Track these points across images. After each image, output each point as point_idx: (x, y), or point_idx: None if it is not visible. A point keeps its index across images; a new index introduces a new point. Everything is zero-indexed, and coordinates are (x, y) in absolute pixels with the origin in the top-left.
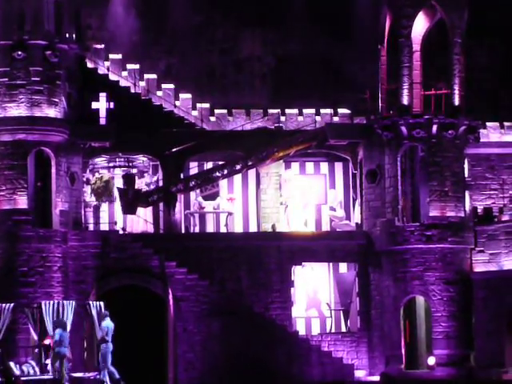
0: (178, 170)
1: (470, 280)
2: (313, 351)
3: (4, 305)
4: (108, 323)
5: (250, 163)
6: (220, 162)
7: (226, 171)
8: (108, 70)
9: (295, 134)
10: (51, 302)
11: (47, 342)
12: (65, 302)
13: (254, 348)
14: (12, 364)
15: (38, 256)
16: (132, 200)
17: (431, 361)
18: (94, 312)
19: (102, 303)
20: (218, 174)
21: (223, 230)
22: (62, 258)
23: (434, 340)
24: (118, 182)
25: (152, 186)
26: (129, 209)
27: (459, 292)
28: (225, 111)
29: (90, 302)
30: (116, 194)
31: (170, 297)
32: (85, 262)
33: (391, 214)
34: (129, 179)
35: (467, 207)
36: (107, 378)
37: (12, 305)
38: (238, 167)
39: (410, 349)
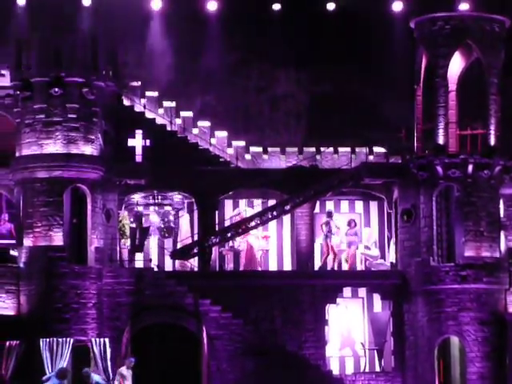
0: (213, 207)
1: (505, 320)
2: None
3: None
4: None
5: (286, 208)
6: (254, 200)
7: (263, 218)
8: (144, 107)
9: (330, 173)
10: (47, 340)
11: None
12: (60, 339)
13: None
14: None
15: (72, 292)
16: (139, 239)
17: None
18: (96, 350)
19: (106, 340)
20: (254, 222)
21: (258, 268)
22: (97, 295)
23: (469, 381)
24: (153, 219)
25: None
26: (136, 248)
27: (494, 332)
28: (260, 149)
29: (92, 340)
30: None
31: (204, 335)
32: (119, 298)
33: (426, 254)
34: (136, 217)
35: (502, 247)
36: None
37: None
38: (275, 214)
39: None
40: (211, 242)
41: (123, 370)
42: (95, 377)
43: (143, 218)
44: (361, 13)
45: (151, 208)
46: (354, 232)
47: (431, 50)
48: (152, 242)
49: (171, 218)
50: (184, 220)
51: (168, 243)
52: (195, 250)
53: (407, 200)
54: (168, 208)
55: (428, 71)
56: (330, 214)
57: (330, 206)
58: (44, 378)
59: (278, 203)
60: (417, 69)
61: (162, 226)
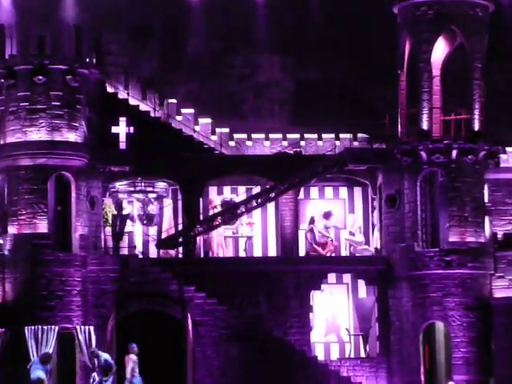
0: (197, 194)
1: (490, 306)
2: (332, 376)
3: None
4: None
5: (271, 196)
6: (239, 187)
7: (248, 206)
8: (128, 94)
9: (315, 159)
10: (32, 328)
11: None
12: (45, 327)
13: (273, 373)
14: None
15: (57, 280)
16: (119, 226)
17: None
18: (81, 337)
19: (91, 328)
20: (240, 210)
21: (242, 254)
22: (82, 282)
23: (454, 366)
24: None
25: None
26: (116, 236)
27: (479, 318)
28: (244, 136)
29: (77, 327)
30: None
31: (189, 321)
32: (104, 286)
33: (410, 240)
34: (117, 205)
35: (487, 233)
36: None
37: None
38: (260, 201)
39: (429, 374)
40: (196, 232)
41: (133, 357)
42: (104, 355)
43: (123, 206)
44: None
45: (135, 195)
46: (327, 225)
47: (415, 36)
48: (136, 229)
49: (152, 206)
50: (167, 207)
51: (153, 230)
52: (180, 240)
53: (391, 185)
54: (151, 195)
55: (411, 56)
56: (312, 220)
57: (314, 192)
58: (29, 365)
59: (262, 191)
60: (400, 54)
61: (142, 213)
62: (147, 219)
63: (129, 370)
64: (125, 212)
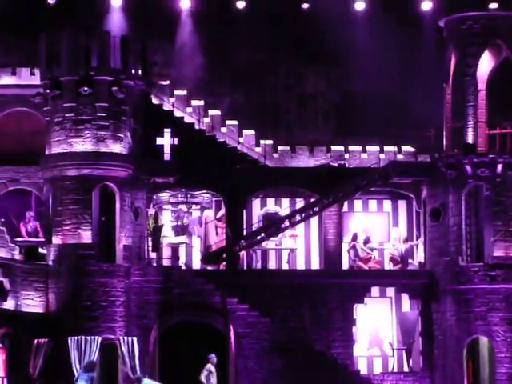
0: (241, 205)
1: None
2: None
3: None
4: None
5: (315, 210)
6: (282, 199)
7: (292, 220)
8: (173, 106)
9: (359, 172)
10: (75, 338)
11: None
12: (88, 338)
13: None
14: None
15: (101, 290)
16: (153, 237)
17: None
18: (124, 348)
19: (134, 339)
20: (284, 224)
21: (285, 266)
22: (125, 293)
23: (497, 381)
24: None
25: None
26: (153, 247)
27: None
28: (288, 148)
29: (120, 338)
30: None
31: (232, 333)
32: (147, 296)
33: (455, 253)
34: (155, 217)
35: None
36: None
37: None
38: (304, 215)
39: None
40: (241, 247)
41: (211, 367)
42: (146, 382)
43: (160, 217)
44: (390, 11)
45: (169, 206)
46: (371, 248)
47: (460, 49)
48: (178, 240)
49: (186, 217)
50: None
51: (196, 241)
52: (225, 255)
53: (436, 199)
54: (182, 207)
55: (457, 70)
56: (355, 237)
57: (358, 205)
58: (75, 378)
59: (306, 205)
60: (446, 68)
61: (175, 224)
62: (181, 230)
63: (203, 378)
64: (160, 223)
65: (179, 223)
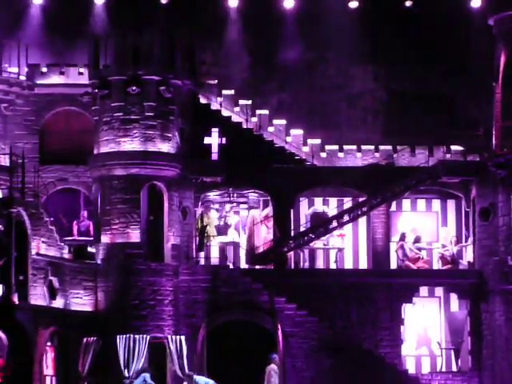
0: (288, 205)
1: None
2: None
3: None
4: None
5: (363, 210)
6: (330, 199)
7: (341, 221)
8: (220, 105)
9: (407, 171)
10: (123, 337)
11: None
12: (137, 336)
13: None
14: None
15: (149, 289)
16: (198, 237)
17: None
18: (172, 347)
19: (182, 338)
20: (333, 224)
21: (333, 266)
22: (173, 292)
23: None
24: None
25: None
26: (198, 246)
27: None
28: (336, 147)
29: (169, 337)
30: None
31: (280, 333)
32: (195, 296)
33: (504, 253)
34: (201, 216)
35: None
36: None
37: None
38: (352, 216)
39: None
40: (289, 247)
41: (274, 367)
42: (198, 379)
43: (205, 217)
44: (439, 10)
45: (227, 206)
46: (419, 247)
47: (510, 47)
48: (227, 239)
49: (229, 217)
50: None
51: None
52: (273, 256)
53: (485, 198)
54: (227, 206)
55: (507, 68)
56: (403, 237)
57: (406, 204)
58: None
59: (354, 205)
60: (496, 66)
61: (218, 224)
62: (223, 230)
63: (267, 380)
64: (205, 223)
65: (221, 223)
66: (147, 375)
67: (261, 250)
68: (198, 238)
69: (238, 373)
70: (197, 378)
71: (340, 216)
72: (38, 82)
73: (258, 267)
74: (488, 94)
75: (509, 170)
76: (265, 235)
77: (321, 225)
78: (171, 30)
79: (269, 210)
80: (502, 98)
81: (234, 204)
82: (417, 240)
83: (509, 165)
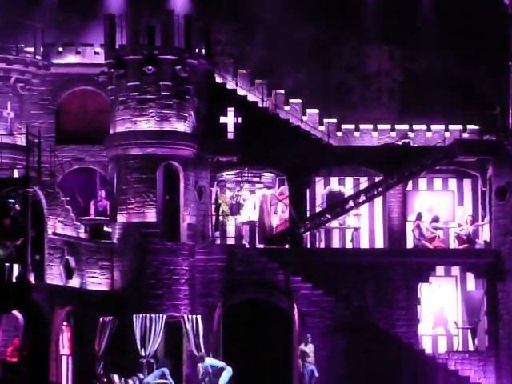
0: (304, 185)
1: None
2: (439, 370)
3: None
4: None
5: (380, 190)
6: (346, 178)
7: (357, 201)
8: (236, 84)
9: (423, 151)
10: (140, 316)
11: None
12: (153, 315)
13: (379, 365)
14: (116, 376)
15: (165, 269)
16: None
17: None
18: (188, 326)
19: (198, 317)
20: (349, 205)
21: (349, 245)
22: (189, 271)
23: None
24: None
25: (235, 201)
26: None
27: None
28: (352, 126)
29: (185, 316)
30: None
31: (296, 312)
32: (211, 275)
33: None
34: (216, 196)
35: None
36: None
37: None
38: (368, 195)
39: None
40: (305, 228)
41: (302, 346)
42: (208, 361)
43: (220, 197)
44: None
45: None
46: (435, 227)
47: None
48: (241, 219)
49: (241, 196)
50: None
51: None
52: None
53: (502, 177)
54: (258, 185)
55: None
56: (419, 216)
57: (422, 183)
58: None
59: (370, 185)
60: (511, 45)
61: (231, 203)
62: (236, 209)
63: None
64: (219, 202)
65: (234, 202)
66: (166, 370)
67: (277, 230)
68: (214, 218)
69: (254, 352)
70: (207, 359)
71: (356, 196)
72: (54, 61)
73: (273, 246)
74: (504, 73)
75: None
76: (280, 214)
77: (337, 205)
78: (187, 10)
79: (283, 188)
80: None
81: (248, 184)
82: (435, 220)
83: None
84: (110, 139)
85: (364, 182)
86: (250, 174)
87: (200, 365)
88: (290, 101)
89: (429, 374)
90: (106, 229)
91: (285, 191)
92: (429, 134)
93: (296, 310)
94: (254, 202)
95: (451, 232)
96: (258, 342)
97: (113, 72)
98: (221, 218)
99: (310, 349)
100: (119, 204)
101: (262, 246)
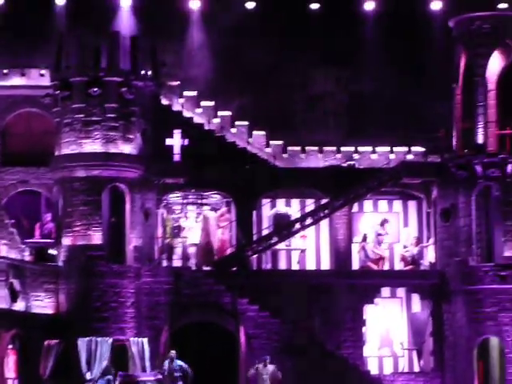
0: (251, 206)
1: None
2: None
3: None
4: None
5: (326, 212)
6: (291, 199)
7: (303, 223)
8: (182, 106)
9: (368, 172)
10: (85, 339)
11: None
12: (99, 339)
13: None
14: None
15: (111, 291)
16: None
17: None
18: (134, 349)
19: (145, 340)
20: (296, 227)
21: (295, 267)
22: (135, 294)
23: (508, 381)
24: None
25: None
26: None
27: None
28: (298, 148)
29: (131, 339)
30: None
31: (242, 334)
32: (158, 297)
33: (465, 254)
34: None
35: None
36: None
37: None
38: (315, 218)
39: None
40: (252, 251)
41: (261, 366)
42: (178, 362)
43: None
44: (400, 12)
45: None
46: (385, 232)
47: (470, 49)
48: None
49: (184, 218)
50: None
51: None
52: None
53: (446, 199)
54: (206, 207)
55: (467, 70)
56: (364, 238)
57: (368, 205)
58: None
59: (317, 207)
60: (456, 68)
61: (174, 225)
62: (177, 232)
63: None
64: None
65: (176, 225)
66: (111, 377)
67: (219, 252)
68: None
69: (200, 374)
70: (177, 360)
71: (303, 218)
72: None
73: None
74: (449, 96)
75: (469, 171)
76: (220, 236)
77: (284, 227)
78: (133, 31)
79: (224, 210)
80: (462, 99)
81: (194, 206)
82: (382, 222)
83: (469, 166)
84: (56, 161)
85: (310, 204)
86: (196, 196)
87: (167, 362)
88: (236, 123)
89: None
90: (51, 251)
91: (225, 213)
92: (374, 156)
93: (243, 332)
94: (197, 224)
95: (396, 253)
96: (206, 365)
97: (58, 94)
98: (168, 239)
99: (266, 371)
100: (65, 226)
101: (208, 268)
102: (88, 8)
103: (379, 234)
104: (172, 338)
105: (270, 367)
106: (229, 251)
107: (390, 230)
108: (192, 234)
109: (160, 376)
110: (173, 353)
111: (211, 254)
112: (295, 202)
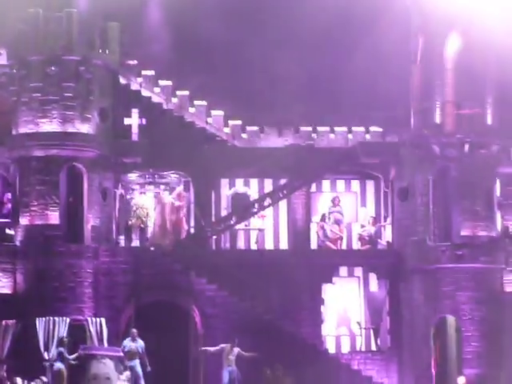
0: (209, 186)
1: (501, 299)
2: (342, 369)
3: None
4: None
5: (284, 193)
6: (250, 179)
7: (262, 204)
8: (140, 85)
9: (327, 151)
10: (43, 319)
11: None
12: (56, 318)
13: (284, 365)
14: (19, 380)
15: (69, 271)
16: None
17: (461, 380)
18: (92, 329)
19: (103, 320)
20: (254, 209)
21: (254, 246)
22: (93, 274)
23: (465, 359)
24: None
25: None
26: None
27: (490, 311)
28: (256, 128)
29: (89, 319)
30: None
31: (200, 313)
32: (116, 277)
33: (422, 233)
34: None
35: (499, 227)
36: None
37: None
38: (273, 199)
39: (440, 368)
40: (211, 232)
41: (228, 347)
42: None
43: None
44: None
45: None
46: (338, 210)
47: (427, 29)
48: (149, 222)
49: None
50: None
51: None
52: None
53: (403, 179)
54: (163, 187)
55: (425, 50)
56: (323, 218)
57: (326, 185)
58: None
59: (275, 189)
60: (413, 47)
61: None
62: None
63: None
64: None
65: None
66: (62, 350)
67: (176, 231)
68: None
69: (159, 353)
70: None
71: (261, 199)
72: None
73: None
74: (406, 75)
75: (427, 150)
76: (177, 215)
77: (243, 209)
78: (90, 10)
79: (180, 189)
80: (420, 79)
81: (153, 186)
82: (333, 201)
83: (427, 145)
84: (13, 140)
85: (269, 183)
86: (154, 176)
87: (128, 340)
88: (195, 102)
89: (332, 373)
90: (8, 231)
91: (182, 192)
92: (332, 136)
93: (201, 311)
94: (153, 204)
95: (354, 232)
96: (164, 343)
97: (15, 73)
98: (132, 221)
99: (233, 352)
100: (22, 206)
101: (166, 247)
102: None
103: (331, 212)
104: (132, 317)
105: (236, 350)
106: (185, 231)
107: (344, 208)
108: (149, 214)
109: (121, 353)
110: (134, 331)
111: (167, 233)
112: (254, 182)
